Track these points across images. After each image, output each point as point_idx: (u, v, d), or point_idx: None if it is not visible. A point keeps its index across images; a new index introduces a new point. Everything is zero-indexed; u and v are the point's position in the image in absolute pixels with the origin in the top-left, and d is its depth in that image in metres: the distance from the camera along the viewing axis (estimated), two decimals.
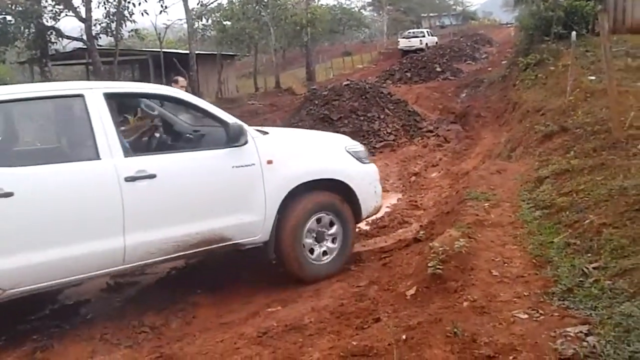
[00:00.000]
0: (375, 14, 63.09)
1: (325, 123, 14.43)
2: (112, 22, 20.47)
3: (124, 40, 23.96)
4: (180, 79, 9.12)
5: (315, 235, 5.17)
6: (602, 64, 8.61)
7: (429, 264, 4.02)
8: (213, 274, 5.84)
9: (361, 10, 59.01)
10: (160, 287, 5.50)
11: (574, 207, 5.01)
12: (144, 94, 5.28)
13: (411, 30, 44.10)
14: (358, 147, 5.75)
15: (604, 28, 7.54)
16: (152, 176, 4.32)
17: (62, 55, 24.00)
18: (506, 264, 4.16)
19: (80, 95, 4.28)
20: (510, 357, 2.88)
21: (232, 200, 4.76)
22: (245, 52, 35.20)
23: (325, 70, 39.31)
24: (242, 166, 4.75)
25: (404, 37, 41.09)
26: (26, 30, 19.26)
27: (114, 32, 20.43)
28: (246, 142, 4.75)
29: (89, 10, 19.47)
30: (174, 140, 5.42)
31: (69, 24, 22.29)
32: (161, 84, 21.81)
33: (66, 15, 20.25)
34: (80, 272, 4.18)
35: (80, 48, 22.56)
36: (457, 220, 5.30)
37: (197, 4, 27.12)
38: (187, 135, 5.46)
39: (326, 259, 5.24)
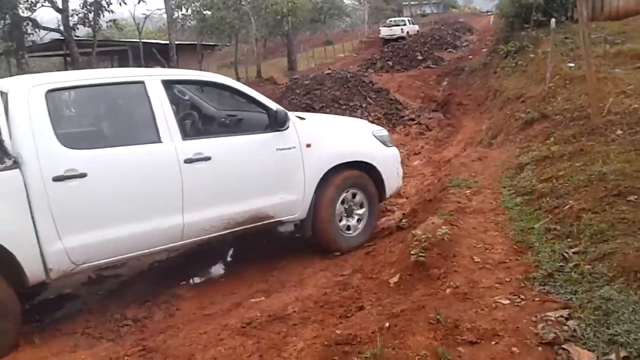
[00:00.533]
0: (357, 3, 62.87)
1: (308, 112, 14.40)
2: (90, 12, 20.15)
3: (102, 31, 23.62)
4: (160, 69, 9.02)
5: (346, 211, 5.57)
6: (581, 51, 8.67)
7: (412, 252, 4.03)
8: (196, 266, 5.81)
9: None
10: (143, 280, 5.46)
11: (554, 193, 5.06)
12: (198, 81, 5.52)
13: (392, 19, 44.08)
14: (383, 132, 6.19)
15: (582, 15, 7.59)
16: (208, 158, 4.63)
17: (39, 46, 23.59)
18: (488, 251, 4.19)
19: (141, 82, 4.54)
20: (493, 343, 2.90)
21: (276, 181, 5.12)
22: (225, 41, 34.98)
23: (306, 60, 39.18)
24: (285, 149, 5.11)
25: (385, 26, 41.07)
26: (1, 21, 18.89)
27: (92, 23, 20.12)
28: (288, 127, 5.09)
29: (65, 0, 19.14)
30: (218, 124, 5.70)
31: (46, 15, 21.91)
32: None
33: (42, 5, 19.92)
34: (145, 248, 4.48)
35: (57, 39, 22.24)
36: (440, 208, 5.32)
37: None
38: (226, 120, 5.75)
39: (356, 232, 5.64)
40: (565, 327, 2.92)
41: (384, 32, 39.82)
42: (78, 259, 4.13)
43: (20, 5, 19.30)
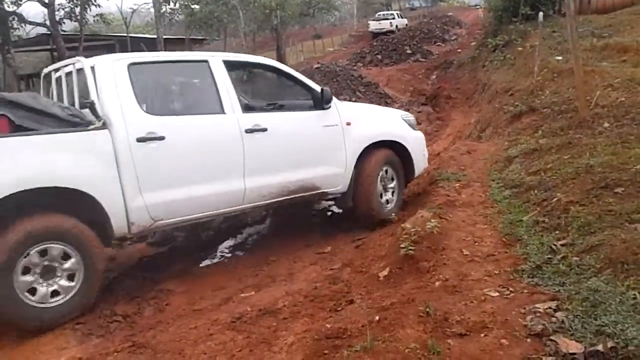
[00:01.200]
0: None
1: None
2: (76, 6, 19.93)
3: (89, 26, 23.36)
4: None
5: (383, 186, 6.03)
6: (568, 44, 8.72)
7: (401, 245, 4.06)
8: (185, 261, 5.79)
9: None
10: (132, 275, 5.43)
11: (542, 185, 5.10)
12: (253, 63, 6.03)
13: (381, 13, 44.05)
14: (410, 117, 6.75)
15: (570, 9, 7.64)
16: (265, 130, 5.10)
17: (25, 41, 23.33)
18: (477, 243, 4.22)
19: (205, 61, 5.10)
20: (482, 335, 2.92)
21: (322, 154, 5.62)
22: (214, 36, 34.79)
23: (295, 54, 39.05)
24: (329, 126, 5.64)
25: (374, 20, 41.00)
26: None
27: (79, 17, 19.89)
28: (331, 106, 5.63)
29: None
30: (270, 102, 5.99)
31: (32, 9, 21.71)
32: None
33: (28, 0, 19.68)
34: (213, 209, 4.92)
35: (44, 34, 21.98)
36: (429, 201, 5.35)
37: None
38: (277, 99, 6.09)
39: (391, 204, 6.11)
40: (554, 319, 2.94)
41: (373, 25, 39.73)
42: (156, 216, 4.55)
43: (6, 0, 19.07)
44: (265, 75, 6.24)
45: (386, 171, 6.07)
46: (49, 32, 20.01)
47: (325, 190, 5.67)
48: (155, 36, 23.73)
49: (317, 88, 5.64)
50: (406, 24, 39.48)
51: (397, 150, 6.15)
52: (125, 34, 23.49)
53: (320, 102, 5.57)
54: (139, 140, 4.42)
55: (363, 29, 44.88)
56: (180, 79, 5.40)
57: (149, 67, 4.98)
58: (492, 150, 7.41)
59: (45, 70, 5.46)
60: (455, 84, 17.15)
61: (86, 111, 4.47)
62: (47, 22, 19.61)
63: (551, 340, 2.77)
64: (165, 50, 22.93)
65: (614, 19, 14.51)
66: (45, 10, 19.39)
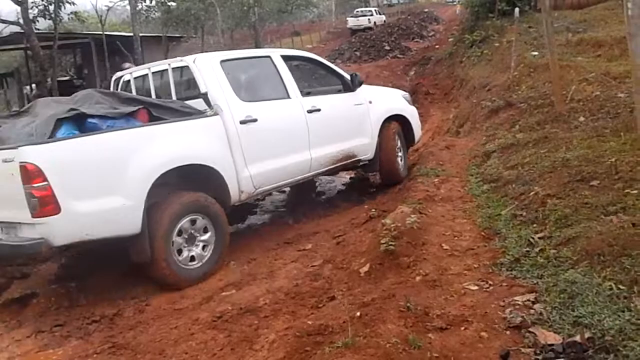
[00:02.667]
0: None
1: None
2: (50, 4, 19.56)
3: (64, 24, 22.94)
4: (128, 64, 8.85)
5: (399, 151, 7.35)
6: (544, 40, 8.82)
7: (382, 241, 4.06)
8: None
9: None
10: (112, 276, 5.36)
11: (519, 179, 5.15)
12: (298, 56, 7.08)
13: (359, 10, 44.11)
14: (407, 95, 8.28)
15: (545, 4, 7.71)
16: (319, 110, 6.17)
17: None
18: (456, 238, 4.25)
19: (268, 56, 6.20)
20: (462, 328, 2.95)
21: (356, 128, 6.76)
22: (191, 33, 34.44)
23: None
24: (358, 104, 6.80)
25: (352, 17, 40.95)
26: None
27: (53, 15, 19.53)
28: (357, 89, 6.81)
29: None
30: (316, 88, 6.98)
31: (5, 8, 21.30)
32: (104, 68, 21.10)
33: None
34: (292, 176, 5.96)
35: (17, 32, 21.55)
36: (409, 197, 5.37)
37: None
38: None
39: (403, 167, 7.42)
40: (532, 311, 2.98)
41: (351, 22, 39.66)
42: (257, 184, 5.50)
43: None
44: (306, 65, 7.11)
45: (398, 140, 7.33)
46: (22, 31, 19.64)
47: (359, 158, 6.81)
48: (131, 34, 23.45)
49: (346, 74, 6.84)
50: (384, 21, 39.54)
51: (401, 122, 7.45)
52: (101, 32, 23.12)
53: (350, 85, 6.75)
54: (242, 122, 5.37)
55: (341, 25, 44.86)
56: (254, 72, 6.23)
57: (233, 62, 5.82)
58: (471, 145, 7.47)
59: (118, 74, 6.55)
60: (434, 80, 17.24)
61: (188, 102, 5.47)
62: (21, 21, 19.26)
63: (530, 332, 2.81)
64: (141, 48, 22.75)
65: (588, 14, 14.69)
66: (19, 8, 19.03)
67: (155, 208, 4.66)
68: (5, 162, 4.27)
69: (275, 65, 6.10)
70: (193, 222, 4.91)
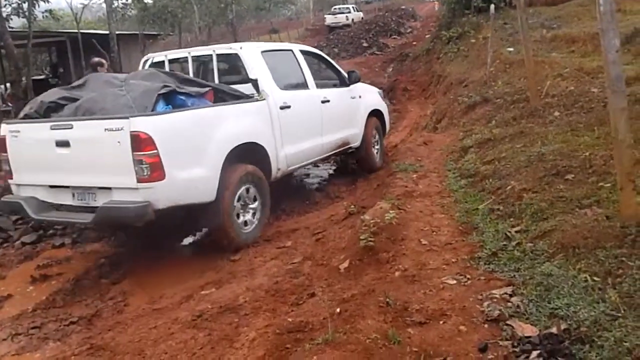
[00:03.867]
0: None
1: None
2: (24, 2, 19.19)
3: (38, 22, 22.56)
4: (102, 60, 8.70)
5: (376, 144, 8.29)
6: (519, 36, 8.92)
7: (361, 237, 4.08)
8: (144, 261, 5.69)
9: None
10: (89, 277, 5.30)
11: (496, 174, 5.21)
12: (309, 51, 7.63)
13: (337, 7, 44.19)
14: (381, 92, 9.17)
15: (520, 1, 7.80)
16: (329, 101, 7.01)
17: None
18: (435, 233, 4.28)
19: (291, 50, 6.99)
20: (441, 322, 2.97)
21: (351, 119, 7.64)
22: (168, 31, 34.09)
23: None
24: (353, 98, 7.72)
25: (330, 14, 41.22)
26: None
27: (27, 13, 19.17)
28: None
29: None
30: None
31: None
32: (80, 66, 20.76)
33: None
34: (309, 159, 6.82)
35: None
36: (387, 193, 5.40)
37: None
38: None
39: (378, 156, 8.31)
40: (510, 304, 3.02)
41: (329, 19, 39.93)
42: (289, 163, 6.26)
43: None
44: (315, 59, 7.69)
45: (376, 132, 8.26)
46: None
47: (351, 145, 7.62)
48: (107, 32, 23.12)
49: (344, 71, 7.73)
50: (362, 18, 39.71)
51: (378, 116, 8.35)
52: (77, 30, 22.76)
53: (347, 81, 7.59)
54: (281, 108, 6.09)
55: (319, 22, 44.83)
56: (283, 63, 6.72)
57: (269, 53, 6.45)
58: (448, 140, 7.53)
59: (148, 56, 6.93)
60: (411, 76, 17.32)
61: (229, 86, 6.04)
62: None
63: (507, 324, 2.84)
64: (118, 46, 22.45)
65: (562, 10, 14.91)
66: None
67: (223, 178, 5.22)
68: (109, 130, 4.64)
69: (296, 58, 6.90)
70: (247, 190, 5.58)
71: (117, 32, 23.97)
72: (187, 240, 6.22)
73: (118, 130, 4.60)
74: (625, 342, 2.44)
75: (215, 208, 5.16)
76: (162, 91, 5.22)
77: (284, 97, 6.16)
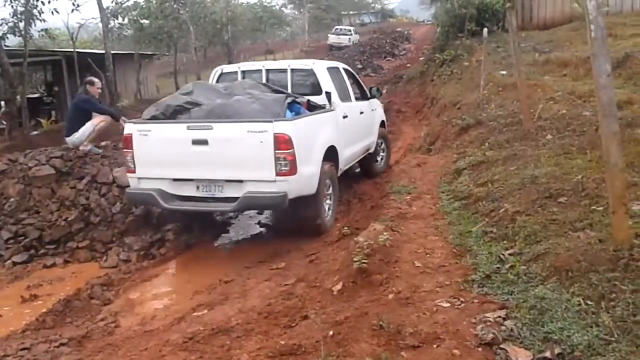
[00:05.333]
0: (296, 12, 63.17)
1: None
2: (20, 21, 19.26)
3: (34, 41, 22.63)
4: (92, 79, 8.70)
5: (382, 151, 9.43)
6: (512, 59, 9.01)
7: (354, 259, 4.06)
8: (136, 282, 5.65)
9: (282, 9, 59.11)
10: (80, 298, 5.25)
11: (489, 196, 5.22)
12: (347, 70, 8.50)
13: (340, 27, 45.91)
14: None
15: (512, 25, 7.90)
16: (362, 112, 8.18)
17: None
18: (428, 255, 4.27)
19: (337, 67, 8.07)
20: (434, 346, 2.95)
21: (371, 128, 8.73)
22: (164, 51, 34.25)
23: None
24: (373, 110, 8.83)
25: (333, 34, 42.68)
26: None
27: (23, 32, 19.23)
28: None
29: None
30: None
31: None
32: (75, 85, 20.79)
33: None
34: (352, 161, 7.79)
35: None
36: (381, 214, 5.40)
37: (112, 2, 26.11)
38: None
39: (382, 161, 9.40)
40: (503, 327, 3.00)
41: (332, 39, 41.48)
42: (345, 164, 7.31)
43: None
44: (349, 76, 8.43)
45: (383, 139, 9.33)
46: None
47: (370, 150, 8.62)
48: (103, 51, 23.20)
49: (366, 87, 8.80)
50: (358, 39, 40.36)
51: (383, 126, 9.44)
52: (72, 49, 22.82)
53: (368, 95, 8.64)
54: (344, 117, 7.20)
55: (314, 44, 45.28)
56: (337, 78, 7.64)
57: (330, 69, 7.57)
58: (442, 162, 7.55)
59: (220, 68, 7.99)
60: (405, 98, 17.42)
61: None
62: None
63: (501, 348, 2.82)
64: (113, 66, 22.53)
65: (554, 34, 15.09)
66: None
67: (320, 174, 6.17)
68: (252, 132, 5.56)
69: (342, 74, 7.97)
70: (327, 185, 6.45)
71: (113, 52, 24.06)
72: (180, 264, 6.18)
73: (262, 132, 5.51)
74: None
75: (315, 199, 6.07)
76: (289, 100, 6.43)
77: (343, 108, 7.27)
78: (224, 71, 7.78)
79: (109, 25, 25.15)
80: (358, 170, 9.03)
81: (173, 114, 6.26)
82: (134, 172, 6.11)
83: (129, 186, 6.35)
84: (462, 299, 3.44)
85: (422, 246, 4.45)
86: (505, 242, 4.18)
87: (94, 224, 6.88)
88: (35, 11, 19.26)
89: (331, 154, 6.58)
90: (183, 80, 32.84)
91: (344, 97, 7.54)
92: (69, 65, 22.13)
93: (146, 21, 30.25)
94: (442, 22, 18.56)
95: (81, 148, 7.92)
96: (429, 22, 46.82)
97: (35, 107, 21.04)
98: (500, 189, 5.31)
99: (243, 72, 7.58)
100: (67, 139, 8.10)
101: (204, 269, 5.85)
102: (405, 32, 41.74)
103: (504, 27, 16.34)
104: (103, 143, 8.81)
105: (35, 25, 19.98)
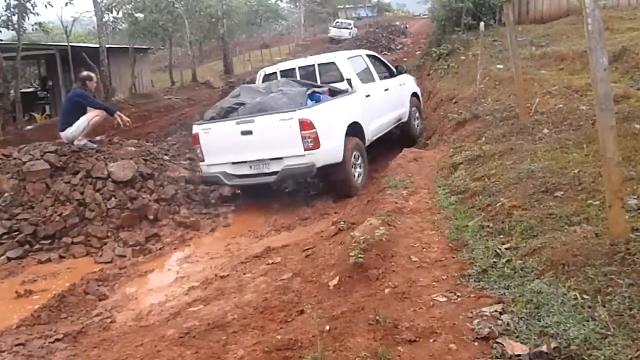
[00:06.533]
0: (292, 6, 62.95)
1: None
2: (14, 15, 19.12)
3: (28, 34, 22.46)
4: (91, 74, 8.67)
5: (417, 118, 11.25)
6: (508, 53, 8.99)
7: (351, 254, 4.05)
8: (132, 276, 5.64)
9: (278, 2, 58.84)
10: (75, 293, 5.24)
11: (486, 191, 5.21)
12: (371, 54, 10.39)
13: (340, 21, 47.22)
14: (414, 79, 12.02)
15: (509, 19, 7.87)
16: (388, 89, 9.71)
17: None
18: (425, 249, 4.26)
19: (359, 55, 9.77)
20: (431, 340, 2.94)
21: (401, 100, 10.36)
22: (159, 45, 34.10)
23: (243, 63, 38.87)
24: (401, 85, 10.47)
25: (335, 27, 44.27)
26: None
27: (16, 26, 19.09)
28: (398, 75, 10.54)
29: None
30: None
31: None
32: (70, 79, 20.67)
33: None
34: (380, 132, 9.26)
35: None
36: (377, 209, 5.38)
37: None
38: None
39: (419, 127, 11.23)
40: (500, 322, 3.00)
41: (334, 32, 43.32)
42: (372, 135, 8.81)
43: None
44: (373, 59, 10.19)
45: (416, 109, 11.08)
46: None
47: (402, 120, 10.28)
48: (97, 45, 23.08)
49: (392, 66, 10.58)
50: (356, 33, 40.62)
51: (416, 96, 11.16)
52: (66, 43, 22.68)
53: (395, 72, 10.39)
54: (366, 96, 8.74)
55: (310, 38, 45.18)
56: (358, 64, 9.36)
57: (351, 58, 9.30)
58: (438, 157, 7.54)
59: (263, 70, 9.82)
60: None
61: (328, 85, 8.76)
62: None
63: (497, 342, 2.82)
64: (108, 60, 22.44)
65: (551, 28, 15.07)
66: None
67: (345, 146, 7.69)
68: (283, 120, 7.25)
69: (364, 60, 9.63)
70: (356, 156, 8.00)
71: (107, 46, 23.97)
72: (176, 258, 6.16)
73: (289, 119, 7.20)
74: None
75: (342, 166, 7.62)
76: (309, 92, 8.04)
77: (365, 89, 8.80)
78: (266, 73, 9.57)
79: (103, 19, 25.03)
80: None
81: (226, 114, 7.96)
82: (203, 160, 7.95)
83: (126, 181, 7.46)
84: (458, 294, 3.44)
85: (419, 241, 4.44)
86: (501, 236, 4.17)
87: (89, 219, 6.87)
88: (28, 4, 19.14)
89: (356, 129, 8.14)
90: (178, 74, 32.77)
91: (366, 80, 9.11)
92: (63, 60, 22.01)
93: (141, 15, 30.09)
94: (439, 15, 18.45)
95: (75, 143, 7.89)
96: (425, 16, 46.68)
97: (29, 101, 20.95)
98: (497, 183, 5.30)
99: (281, 71, 9.32)
100: (62, 134, 8.07)
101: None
102: (402, 26, 41.66)
103: (500, 20, 16.31)
104: (98, 138, 8.79)
105: (28, 19, 19.86)
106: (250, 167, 7.66)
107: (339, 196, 7.78)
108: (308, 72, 9.17)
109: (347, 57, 9.15)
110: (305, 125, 7.13)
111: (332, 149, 7.46)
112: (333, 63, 9.00)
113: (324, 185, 8.31)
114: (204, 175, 8.09)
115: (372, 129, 8.76)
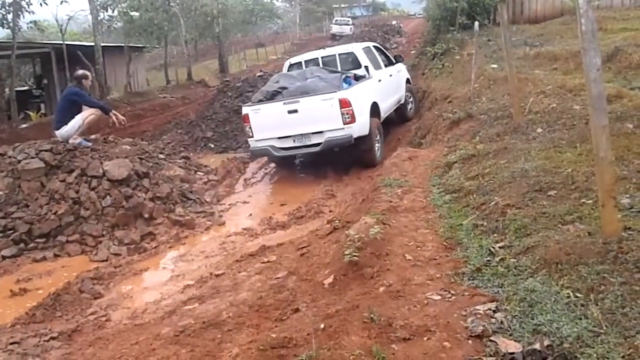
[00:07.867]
0: (288, 5, 62.93)
1: (239, 115, 14.27)
2: (9, 13, 19.05)
3: (23, 33, 22.37)
4: (87, 73, 8.65)
5: (411, 101, 13.09)
6: (503, 53, 9.02)
7: (345, 252, 4.06)
8: (127, 274, 5.64)
9: (273, 1, 58.76)
10: (70, 291, 5.23)
11: (480, 190, 5.23)
12: (375, 46, 12.51)
13: (341, 18, 49.77)
14: (406, 67, 13.89)
15: (503, 18, 7.90)
16: (391, 75, 11.61)
17: None
18: (419, 248, 4.28)
19: (369, 46, 11.90)
20: (425, 338, 2.96)
21: (399, 85, 12.12)
22: (154, 43, 33.97)
23: (238, 62, 38.80)
24: (399, 71, 12.34)
25: (336, 24, 46.48)
26: None
27: (11, 24, 19.02)
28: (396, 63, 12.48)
29: None
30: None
31: None
32: (65, 78, 20.61)
33: None
34: (390, 110, 11.15)
35: None
36: (372, 208, 5.39)
37: None
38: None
39: (412, 110, 13.03)
40: (493, 320, 3.02)
41: (335, 29, 45.46)
42: (384, 113, 10.43)
43: None
44: (378, 49, 12.19)
45: (410, 92, 12.91)
46: None
47: (401, 102, 12.08)
48: (93, 44, 23.01)
49: (391, 55, 12.53)
50: (353, 32, 41.24)
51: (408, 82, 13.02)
52: (61, 42, 22.59)
53: (393, 61, 12.26)
54: (378, 81, 10.53)
55: (305, 37, 45.16)
56: (369, 54, 11.13)
57: (364, 48, 11.14)
58: (433, 156, 7.56)
59: (289, 60, 11.83)
60: None
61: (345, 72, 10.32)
62: None
63: (491, 340, 2.84)
64: (103, 58, 22.37)
65: (545, 28, 15.11)
66: None
67: (370, 123, 9.25)
68: (325, 100, 8.84)
69: (372, 50, 11.56)
70: (375, 132, 9.48)
71: (103, 44, 23.90)
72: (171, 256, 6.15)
73: (331, 99, 8.82)
74: (608, 358, 2.46)
75: (369, 138, 9.27)
76: (343, 77, 9.73)
77: (377, 75, 10.59)
78: (291, 62, 11.51)
79: (99, 18, 24.93)
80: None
81: (272, 96, 9.46)
82: (252, 137, 9.39)
83: (121, 180, 7.57)
84: (452, 292, 3.46)
85: (413, 239, 4.46)
86: (495, 235, 4.20)
87: (84, 218, 6.86)
88: (23, 2, 19.07)
89: (375, 108, 9.70)
90: (173, 73, 32.69)
91: (377, 67, 10.98)
92: (58, 58, 21.92)
93: (136, 13, 29.95)
94: (433, 15, 18.49)
95: (71, 141, 7.87)
96: (420, 16, 46.84)
97: (24, 100, 20.87)
98: (491, 182, 5.32)
99: (305, 61, 11.24)
100: (57, 132, 8.06)
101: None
102: (397, 26, 41.69)
103: (495, 20, 16.36)
104: (93, 136, 8.77)
105: (23, 17, 19.78)
106: (294, 140, 9.13)
107: (365, 165, 9.36)
108: (330, 61, 11.04)
109: (361, 47, 11.15)
110: (344, 103, 8.74)
111: (363, 123, 9.05)
112: (352, 53, 10.92)
113: (353, 155, 9.57)
114: (253, 149, 9.56)
115: (384, 108, 10.44)
